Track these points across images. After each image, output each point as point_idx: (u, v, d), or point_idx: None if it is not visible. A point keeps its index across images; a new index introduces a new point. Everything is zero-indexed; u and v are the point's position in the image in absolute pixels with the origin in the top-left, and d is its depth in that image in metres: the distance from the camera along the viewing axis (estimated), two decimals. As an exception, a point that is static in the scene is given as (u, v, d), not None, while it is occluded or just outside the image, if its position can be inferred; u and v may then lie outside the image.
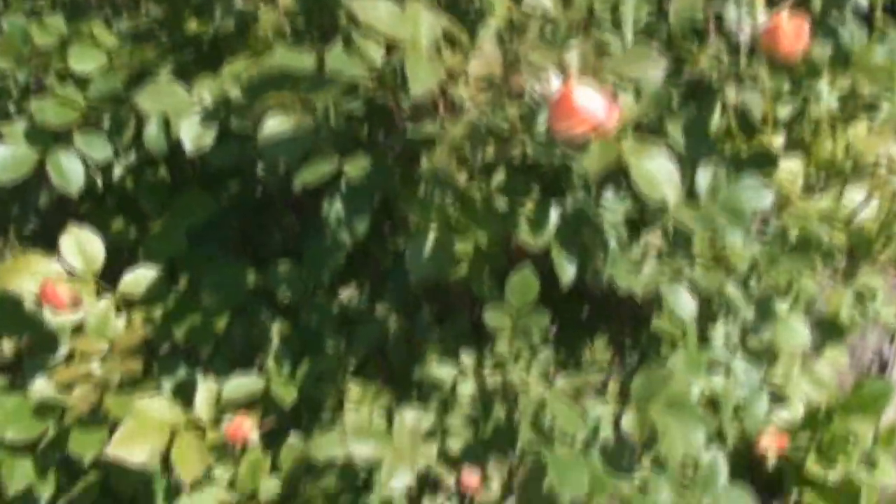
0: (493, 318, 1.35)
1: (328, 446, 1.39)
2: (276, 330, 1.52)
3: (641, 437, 1.38)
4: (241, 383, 1.45)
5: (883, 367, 2.49)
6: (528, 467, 1.35)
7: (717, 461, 1.61)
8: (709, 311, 1.57)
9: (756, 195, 1.32)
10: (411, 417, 1.37)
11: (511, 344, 1.38)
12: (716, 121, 1.33)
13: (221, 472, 1.50)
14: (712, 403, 1.79)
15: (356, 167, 1.28)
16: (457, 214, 1.29)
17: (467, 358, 1.42)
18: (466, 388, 1.40)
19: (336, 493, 1.46)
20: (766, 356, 1.86)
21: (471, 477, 1.35)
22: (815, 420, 3.15)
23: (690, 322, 1.49)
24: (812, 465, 3.11)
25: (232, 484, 1.48)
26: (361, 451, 1.33)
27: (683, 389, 1.46)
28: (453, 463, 1.41)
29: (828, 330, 1.90)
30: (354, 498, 1.47)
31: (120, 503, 1.55)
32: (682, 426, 1.36)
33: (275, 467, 1.50)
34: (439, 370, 1.42)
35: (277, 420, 1.54)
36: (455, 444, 1.45)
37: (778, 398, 2.00)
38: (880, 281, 1.78)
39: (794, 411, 2.21)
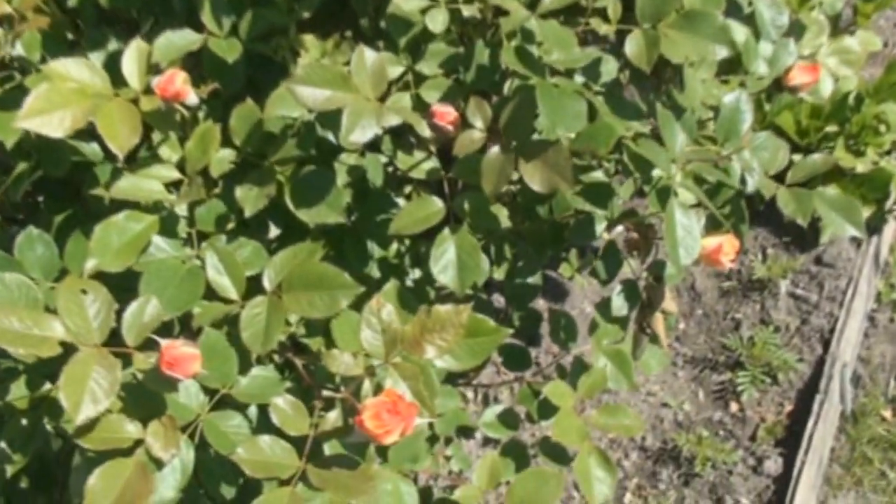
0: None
1: (280, 102, 1.16)
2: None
3: (649, 61, 1.13)
4: (174, 39, 1.20)
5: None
6: (514, 104, 1.11)
7: (741, 104, 1.37)
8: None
9: None
10: (373, 58, 1.12)
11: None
12: None
13: (170, 153, 1.28)
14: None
15: None
16: None
17: (437, -16, 1.16)
18: (438, 21, 1.15)
19: (299, 163, 1.25)
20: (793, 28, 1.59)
21: (445, 109, 1.12)
22: (843, 107, 2.91)
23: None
24: (840, 155, 2.90)
25: (181, 164, 1.27)
26: (314, 97, 1.10)
27: (697, 6, 1.19)
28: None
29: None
30: (322, 169, 1.26)
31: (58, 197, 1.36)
32: (696, 41, 1.11)
33: (230, 143, 1.28)
34: (406, 2, 1.16)
35: (230, 92, 1.31)
36: (431, 94, 1.22)
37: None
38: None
39: (822, 88, 1.92)
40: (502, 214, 1.19)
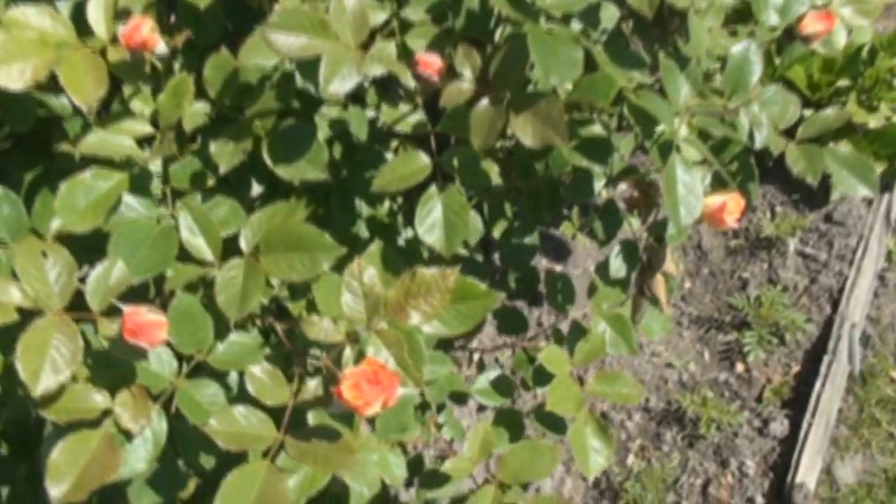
0: None
1: (255, 50, 1.08)
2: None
3: (651, 5, 1.05)
4: (141, -18, 1.12)
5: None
6: (504, 51, 1.02)
7: (750, 54, 1.28)
8: None
9: None
10: (354, 2, 1.04)
11: None
12: None
13: (142, 107, 1.20)
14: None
15: None
16: None
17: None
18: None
19: (278, 116, 1.17)
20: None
21: (430, 58, 1.04)
22: (856, 61, 2.81)
23: None
24: (853, 109, 2.80)
25: (155, 118, 1.19)
26: (290, 44, 1.01)
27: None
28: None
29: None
30: (302, 122, 1.18)
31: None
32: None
33: (205, 95, 1.20)
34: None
35: (205, 42, 1.22)
36: (417, 42, 1.13)
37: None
38: None
39: (835, 39, 1.82)
40: (493, 171, 1.11)
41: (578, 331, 1.47)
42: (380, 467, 1.27)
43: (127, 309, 0.95)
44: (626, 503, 2.47)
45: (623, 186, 1.34)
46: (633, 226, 1.36)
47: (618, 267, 1.34)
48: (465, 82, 1.05)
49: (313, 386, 1.06)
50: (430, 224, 1.10)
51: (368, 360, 0.96)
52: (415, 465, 1.42)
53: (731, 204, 1.16)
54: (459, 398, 1.54)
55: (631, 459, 2.58)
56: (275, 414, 1.04)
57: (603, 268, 1.46)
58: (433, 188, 1.11)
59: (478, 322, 1.14)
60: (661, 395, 2.69)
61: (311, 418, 1.12)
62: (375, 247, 1.18)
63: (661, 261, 1.31)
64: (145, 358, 1.01)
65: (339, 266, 1.09)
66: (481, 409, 2.29)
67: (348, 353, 1.03)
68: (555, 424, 1.47)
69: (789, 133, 1.29)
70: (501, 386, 1.47)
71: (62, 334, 0.97)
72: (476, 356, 2.34)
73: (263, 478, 0.98)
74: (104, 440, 1.01)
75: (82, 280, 1.02)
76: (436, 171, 1.12)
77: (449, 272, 1.00)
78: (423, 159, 1.11)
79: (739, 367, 2.72)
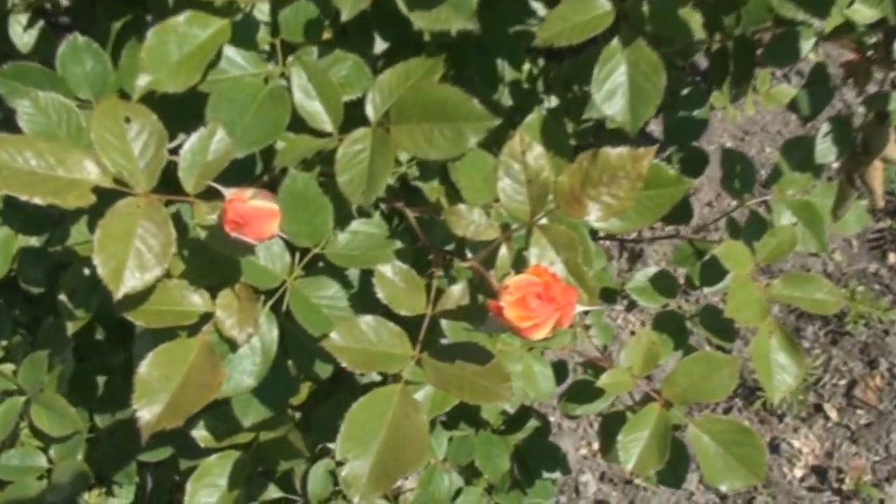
0: None
1: None
2: None
3: None
4: None
5: None
6: None
7: None
8: None
9: None
10: None
11: None
12: None
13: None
14: None
15: None
16: None
17: None
18: None
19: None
20: None
21: None
22: None
23: None
24: None
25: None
26: None
27: None
28: None
29: None
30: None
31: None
32: None
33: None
34: None
35: None
36: None
37: None
38: None
39: None
40: (694, 20, 0.83)
41: (757, 222, 1.20)
42: (525, 379, 1.05)
43: (228, 193, 0.72)
44: (762, 402, 2.23)
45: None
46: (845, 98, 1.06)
47: (825, 149, 1.05)
48: None
49: (457, 293, 0.83)
50: (609, 90, 0.83)
51: (537, 268, 0.71)
52: (559, 372, 1.19)
53: None
54: (608, 296, 1.30)
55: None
56: (406, 326, 0.82)
57: (792, 147, 1.18)
58: (615, 42, 0.84)
59: (661, 215, 0.88)
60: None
61: (447, 331, 0.90)
62: (535, 116, 0.92)
63: (883, 143, 1.02)
64: (251, 253, 0.79)
65: (482, 142, 0.84)
66: (629, 308, 2.04)
67: (504, 254, 0.79)
68: (723, 331, 1.22)
69: None
70: (664, 284, 1.22)
71: (150, 221, 0.75)
72: (626, 250, 2.06)
73: (397, 407, 0.77)
74: (203, 351, 0.80)
75: (174, 152, 0.79)
76: (619, 21, 0.84)
77: (643, 153, 0.74)
78: (603, 4, 0.84)
79: (892, 258, 2.41)
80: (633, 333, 2.14)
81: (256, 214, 0.70)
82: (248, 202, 0.70)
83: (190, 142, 0.79)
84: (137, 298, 0.79)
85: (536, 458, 1.30)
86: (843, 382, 2.25)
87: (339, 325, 0.79)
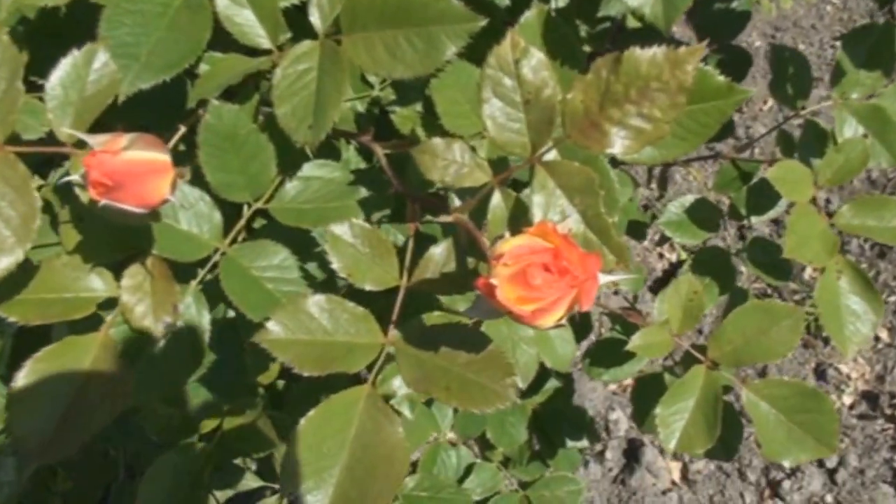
0: None
1: None
2: None
3: None
4: None
5: None
6: None
7: None
8: None
9: None
10: None
11: None
12: None
13: None
14: None
15: None
16: None
17: None
18: None
19: None
20: None
21: None
22: None
23: None
24: None
25: None
26: None
27: None
28: None
29: None
30: None
31: None
32: None
33: None
34: None
35: None
36: None
37: None
38: None
39: None
40: None
41: (816, 134, 0.97)
42: (539, 344, 0.84)
43: (96, 142, 0.50)
44: (805, 323, 2.01)
45: None
46: None
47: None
48: None
49: (437, 256, 0.61)
50: (634, -29, 0.60)
51: (541, 225, 0.49)
52: (580, 330, 0.98)
53: None
54: (637, 231, 1.07)
55: (808, 271, 2.10)
56: (370, 303, 0.60)
57: (857, 39, 0.95)
58: None
59: (708, 137, 0.66)
60: (844, 192, 2.16)
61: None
62: (535, 13, 0.68)
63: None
64: (156, 220, 0.57)
65: (471, 52, 0.61)
66: (660, 242, 1.77)
67: (497, 204, 0.57)
68: (777, 268, 1.00)
69: None
70: (703, 215, 0.99)
71: (5, 183, 0.53)
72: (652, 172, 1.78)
73: (363, 416, 0.56)
74: (104, 351, 0.59)
75: (39, 88, 0.57)
76: None
77: (685, 53, 0.51)
78: None
79: (943, 160, 2.16)
80: (665, 272, 1.91)
81: (133, 171, 0.48)
82: (119, 154, 0.48)
83: (59, 70, 0.56)
84: (8, 287, 0.58)
85: (558, 425, 1.10)
86: (892, 299, 2.02)
87: (279, 310, 0.57)
